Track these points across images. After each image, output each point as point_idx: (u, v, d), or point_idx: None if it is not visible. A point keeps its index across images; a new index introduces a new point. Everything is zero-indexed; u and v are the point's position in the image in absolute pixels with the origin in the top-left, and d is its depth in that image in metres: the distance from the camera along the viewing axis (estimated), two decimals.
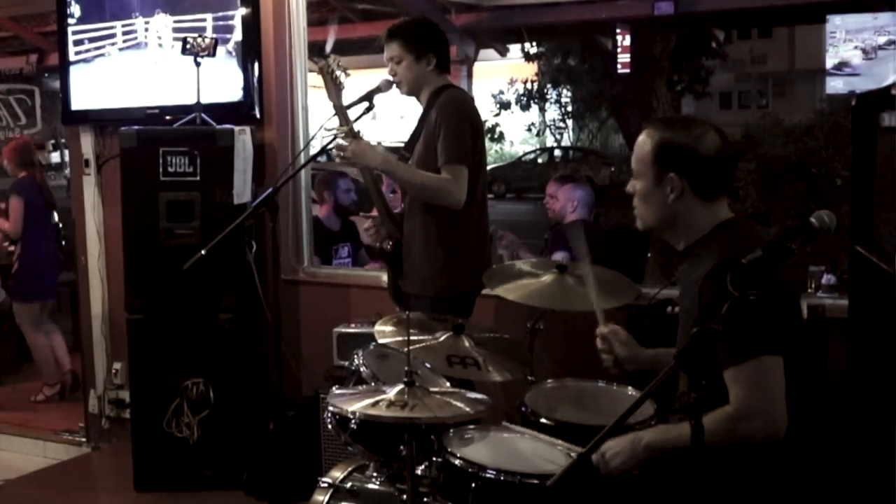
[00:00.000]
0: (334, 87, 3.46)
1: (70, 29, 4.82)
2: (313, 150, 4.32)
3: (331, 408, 2.63)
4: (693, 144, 2.28)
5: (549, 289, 3.01)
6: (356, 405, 2.43)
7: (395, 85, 3.58)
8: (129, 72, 4.75)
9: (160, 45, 4.68)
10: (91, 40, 4.80)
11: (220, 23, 4.56)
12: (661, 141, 2.30)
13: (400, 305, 3.70)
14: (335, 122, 3.50)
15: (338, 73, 3.46)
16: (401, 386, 2.46)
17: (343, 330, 4.21)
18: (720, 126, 2.36)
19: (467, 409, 2.46)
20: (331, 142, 3.51)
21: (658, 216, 2.36)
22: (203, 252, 3.19)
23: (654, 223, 2.38)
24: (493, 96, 24.17)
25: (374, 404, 2.40)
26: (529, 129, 25.45)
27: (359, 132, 3.50)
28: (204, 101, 4.36)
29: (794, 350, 2.16)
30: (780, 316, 2.18)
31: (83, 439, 5.19)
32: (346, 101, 3.48)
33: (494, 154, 23.83)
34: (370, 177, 3.61)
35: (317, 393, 4.11)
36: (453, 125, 3.45)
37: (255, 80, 4.55)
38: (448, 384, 2.94)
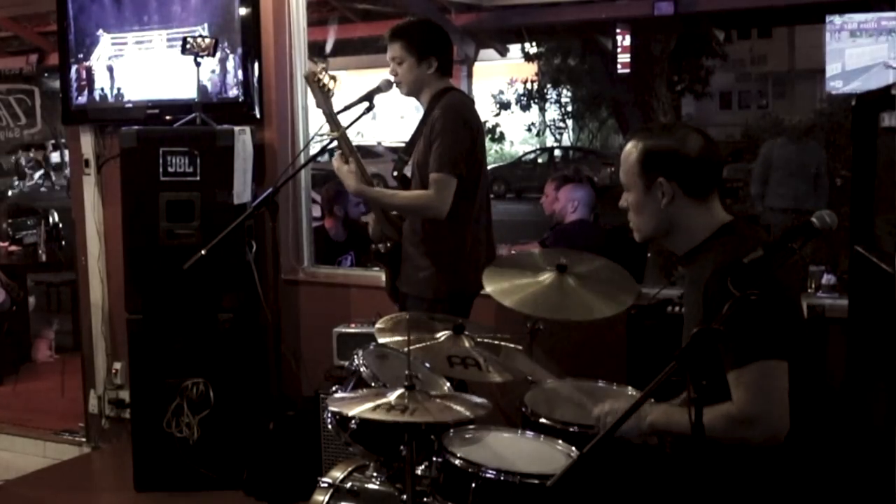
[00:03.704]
0: (322, 94, 3.46)
1: (70, 28, 4.81)
2: (313, 151, 4.33)
3: (331, 409, 2.64)
4: (676, 146, 2.29)
5: (547, 293, 3.00)
6: (356, 409, 2.43)
7: (395, 85, 3.59)
8: (128, 71, 4.76)
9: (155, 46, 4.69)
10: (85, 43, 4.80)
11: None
12: (644, 149, 2.31)
13: (399, 305, 3.70)
14: (327, 127, 3.51)
15: (325, 79, 3.45)
16: (401, 390, 2.46)
17: (343, 330, 4.21)
18: (705, 128, 2.37)
19: (468, 413, 2.45)
20: (329, 143, 3.53)
21: (654, 224, 2.34)
22: (203, 252, 3.19)
23: (652, 232, 2.36)
24: (493, 96, 24.19)
25: (375, 409, 2.40)
26: (529, 129, 25.45)
27: (352, 151, 3.50)
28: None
29: (796, 351, 2.16)
30: (783, 318, 2.18)
31: (83, 439, 5.19)
32: (337, 105, 3.48)
33: (494, 154, 23.82)
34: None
35: (317, 393, 4.11)
36: (450, 133, 3.44)
37: (255, 79, 4.55)
38: (448, 384, 2.95)
